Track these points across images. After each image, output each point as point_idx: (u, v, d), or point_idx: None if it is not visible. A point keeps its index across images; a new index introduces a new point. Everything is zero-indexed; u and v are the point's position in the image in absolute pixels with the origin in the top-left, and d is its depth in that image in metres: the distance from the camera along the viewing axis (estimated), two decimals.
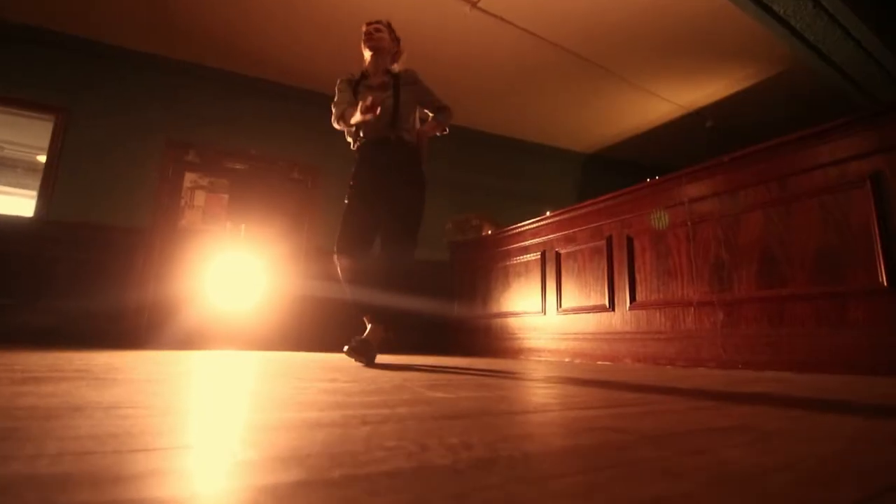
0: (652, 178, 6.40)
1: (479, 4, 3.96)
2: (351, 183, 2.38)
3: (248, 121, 5.01)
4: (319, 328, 4.61)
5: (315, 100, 5.20)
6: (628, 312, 2.88)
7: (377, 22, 2.39)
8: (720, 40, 4.14)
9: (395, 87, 2.34)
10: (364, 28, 2.39)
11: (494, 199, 6.04)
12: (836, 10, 2.81)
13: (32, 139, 6.38)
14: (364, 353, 2.04)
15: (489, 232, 4.39)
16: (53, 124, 4.48)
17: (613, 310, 2.98)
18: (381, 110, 2.24)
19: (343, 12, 4.08)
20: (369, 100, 2.08)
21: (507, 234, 4.02)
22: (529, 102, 5.51)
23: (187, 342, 4.04)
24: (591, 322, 3.12)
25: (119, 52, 4.60)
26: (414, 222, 2.30)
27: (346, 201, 2.36)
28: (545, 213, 3.70)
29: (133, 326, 4.15)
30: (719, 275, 2.43)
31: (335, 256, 2.27)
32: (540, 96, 5.38)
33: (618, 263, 3.00)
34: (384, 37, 2.37)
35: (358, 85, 2.40)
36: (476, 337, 4.19)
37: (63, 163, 4.38)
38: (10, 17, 4.24)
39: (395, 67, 2.45)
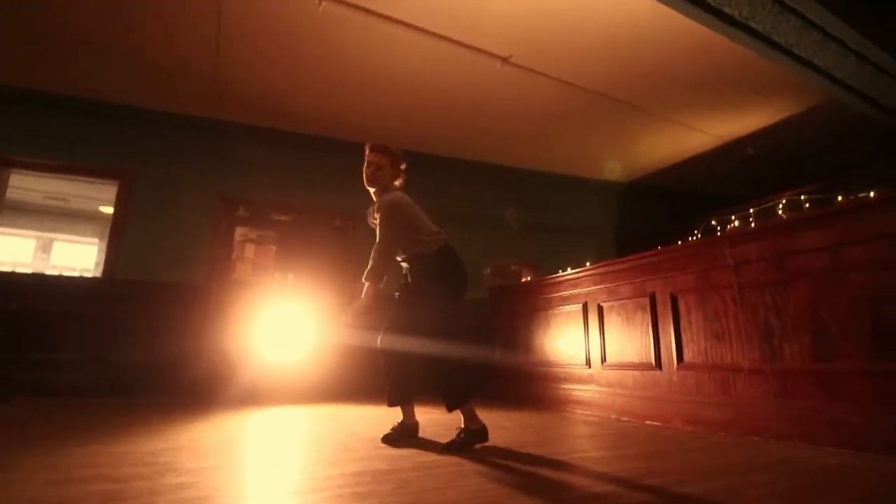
0: (690, 207, 6.29)
1: (511, 60, 4.06)
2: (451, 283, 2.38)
3: (291, 174, 5.26)
4: (364, 376, 4.72)
5: (349, 149, 5.40)
6: (676, 373, 2.86)
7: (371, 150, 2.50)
8: (754, 79, 4.10)
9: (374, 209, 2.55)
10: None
11: (531, 232, 6.09)
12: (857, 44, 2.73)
13: (97, 192, 6.86)
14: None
15: (528, 278, 4.43)
16: (118, 187, 4.83)
17: (660, 369, 2.96)
18: None
19: (374, 73, 4.27)
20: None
21: (547, 282, 4.06)
22: (563, 140, 5.56)
23: (243, 399, 4.21)
24: (637, 379, 3.12)
25: (176, 118, 4.93)
26: (420, 329, 2.33)
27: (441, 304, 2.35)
28: (585, 264, 3.73)
29: (191, 383, 4.37)
30: (770, 343, 2.40)
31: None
32: (574, 134, 5.42)
33: (662, 321, 2.99)
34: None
35: None
36: (518, 384, 4.22)
37: (128, 223, 4.71)
38: (72, 92, 4.62)
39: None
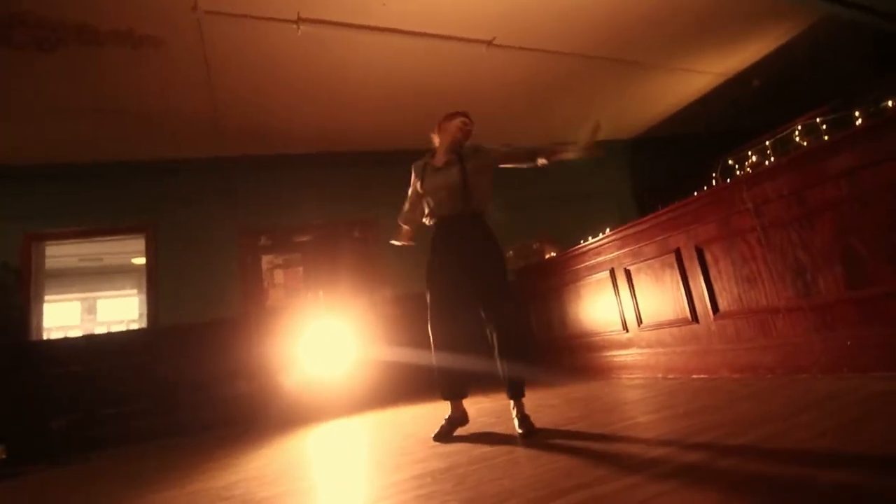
0: (705, 149, 6.16)
1: (495, 42, 4.04)
2: (430, 259, 2.46)
3: (303, 194, 5.37)
4: (408, 378, 4.82)
5: (353, 160, 5.51)
6: (714, 323, 2.86)
7: (466, 115, 2.58)
8: (743, 10, 3.99)
9: (459, 162, 2.46)
10: (459, 121, 2.55)
11: (548, 208, 6.06)
12: None
13: (127, 246, 7.13)
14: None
15: (552, 254, 4.44)
16: (145, 239, 5.04)
17: (698, 322, 2.96)
18: (450, 187, 2.40)
19: (362, 83, 4.32)
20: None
21: (570, 255, 4.07)
22: (561, 109, 5.50)
23: (297, 419, 4.36)
24: (676, 335, 3.12)
25: (184, 163, 5.09)
26: (503, 286, 2.37)
27: (426, 281, 2.43)
28: (605, 230, 3.72)
29: (245, 412, 4.55)
30: (803, 278, 2.38)
31: (432, 337, 2.37)
32: (571, 101, 5.36)
33: (691, 275, 2.98)
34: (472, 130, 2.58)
35: (425, 170, 2.56)
36: (560, 359, 4.26)
37: (160, 271, 4.92)
38: (85, 159, 4.82)
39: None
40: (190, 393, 4.52)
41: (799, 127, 4.70)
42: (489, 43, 4.04)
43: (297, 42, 3.64)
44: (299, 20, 3.45)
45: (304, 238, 5.33)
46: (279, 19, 3.41)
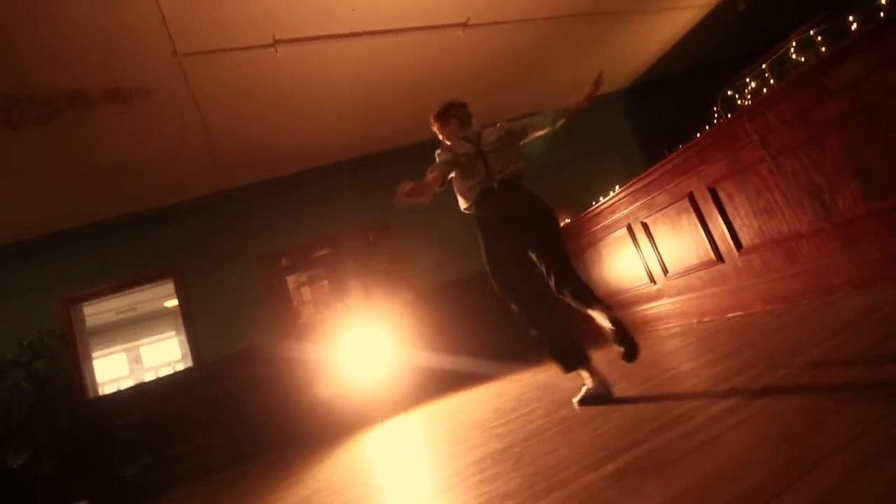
0: (702, 83, 6.02)
1: (470, 22, 4.02)
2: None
3: (312, 210, 5.46)
4: (446, 367, 4.91)
5: (353, 167, 5.57)
6: (739, 260, 2.85)
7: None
8: None
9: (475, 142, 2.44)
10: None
11: (554, 175, 6.02)
12: None
13: (156, 292, 7.33)
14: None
15: (567, 221, 4.45)
16: (173, 282, 5.20)
17: (723, 261, 2.96)
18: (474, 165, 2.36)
19: (348, 90, 4.35)
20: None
21: (585, 218, 4.07)
22: (547, 73, 5.44)
23: (348, 427, 4.49)
24: (704, 278, 3.12)
25: (194, 203, 5.22)
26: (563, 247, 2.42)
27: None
28: (616, 188, 3.71)
29: (298, 428, 4.69)
30: (820, 200, 2.36)
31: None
32: (556, 64, 5.30)
33: (709, 216, 2.97)
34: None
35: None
36: (594, 322, 4.28)
37: (193, 310, 5.08)
38: (103, 217, 4.98)
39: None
40: (243, 420, 4.69)
41: (794, 43, 4.57)
42: (464, 25, 4.02)
43: (279, 64, 3.69)
44: (275, 43, 3.49)
45: (322, 252, 5.43)
46: (256, 46, 3.46)
